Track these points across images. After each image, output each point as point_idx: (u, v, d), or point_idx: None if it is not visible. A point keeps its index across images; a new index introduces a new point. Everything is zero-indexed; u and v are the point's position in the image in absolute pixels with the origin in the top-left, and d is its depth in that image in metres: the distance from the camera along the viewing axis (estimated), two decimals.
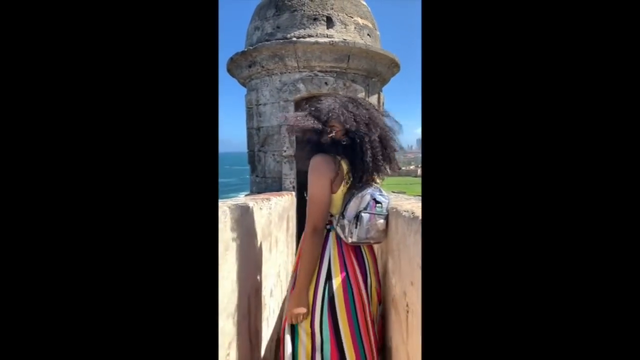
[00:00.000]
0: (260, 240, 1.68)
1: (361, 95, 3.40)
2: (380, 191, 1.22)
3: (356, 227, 1.16)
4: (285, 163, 3.33)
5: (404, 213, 1.10)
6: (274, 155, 3.47)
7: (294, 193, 2.94)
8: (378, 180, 1.36)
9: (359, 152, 1.19)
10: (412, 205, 1.20)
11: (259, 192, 3.56)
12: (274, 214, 1.94)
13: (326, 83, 3.29)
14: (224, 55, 3.99)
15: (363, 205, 1.17)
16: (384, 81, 3.85)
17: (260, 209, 1.65)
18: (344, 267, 1.20)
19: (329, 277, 1.20)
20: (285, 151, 3.30)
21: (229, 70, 3.90)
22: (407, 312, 1.04)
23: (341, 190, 1.22)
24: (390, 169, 1.27)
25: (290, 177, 3.33)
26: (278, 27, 3.41)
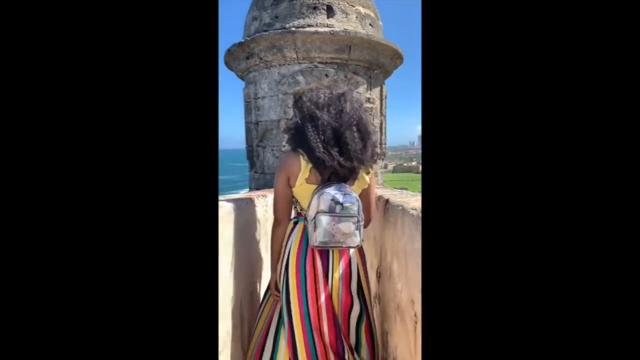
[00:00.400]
0: (256, 240, 1.57)
1: (363, 87, 3.28)
2: (343, 191, 1.09)
3: (314, 230, 1.08)
4: None
5: (411, 211, 0.98)
6: (272, 150, 3.36)
7: None
8: (369, 174, 1.24)
9: (304, 143, 1.12)
10: (419, 202, 1.08)
11: (258, 189, 3.45)
12: (271, 212, 1.83)
13: (326, 75, 3.16)
14: (223, 47, 3.86)
15: (322, 206, 1.07)
16: (387, 73, 3.71)
17: (255, 205, 1.54)
18: (300, 263, 1.16)
19: (287, 269, 1.19)
20: (284, 146, 3.18)
21: (227, 63, 3.77)
22: (416, 322, 0.92)
23: (303, 185, 1.15)
24: (363, 161, 1.15)
25: None
26: (276, 17, 3.28)
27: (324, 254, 1.17)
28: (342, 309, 1.18)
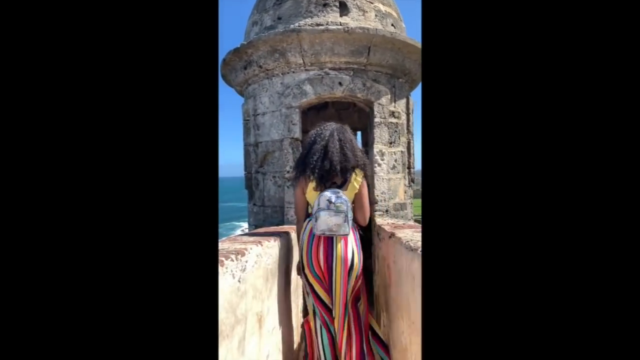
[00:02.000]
0: (222, 336, 0.88)
1: (386, 97, 2.65)
2: (336, 194, 1.51)
3: (316, 222, 1.50)
4: (288, 187, 2.55)
5: None
6: (274, 177, 2.71)
7: None
8: (357, 179, 1.60)
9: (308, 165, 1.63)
10: None
11: (257, 226, 2.79)
12: (254, 278, 1.15)
13: (340, 83, 2.55)
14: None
15: (321, 204, 1.50)
16: (414, 83, 3.08)
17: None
18: (309, 250, 1.57)
19: (301, 252, 1.62)
20: (288, 172, 2.53)
21: (224, 76, 3.24)
22: None
23: (311, 192, 1.60)
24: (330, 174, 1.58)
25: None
26: (279, 19, 2.73)
27: (329, 242, 1.54)
28: (343, 278, 1.54)
